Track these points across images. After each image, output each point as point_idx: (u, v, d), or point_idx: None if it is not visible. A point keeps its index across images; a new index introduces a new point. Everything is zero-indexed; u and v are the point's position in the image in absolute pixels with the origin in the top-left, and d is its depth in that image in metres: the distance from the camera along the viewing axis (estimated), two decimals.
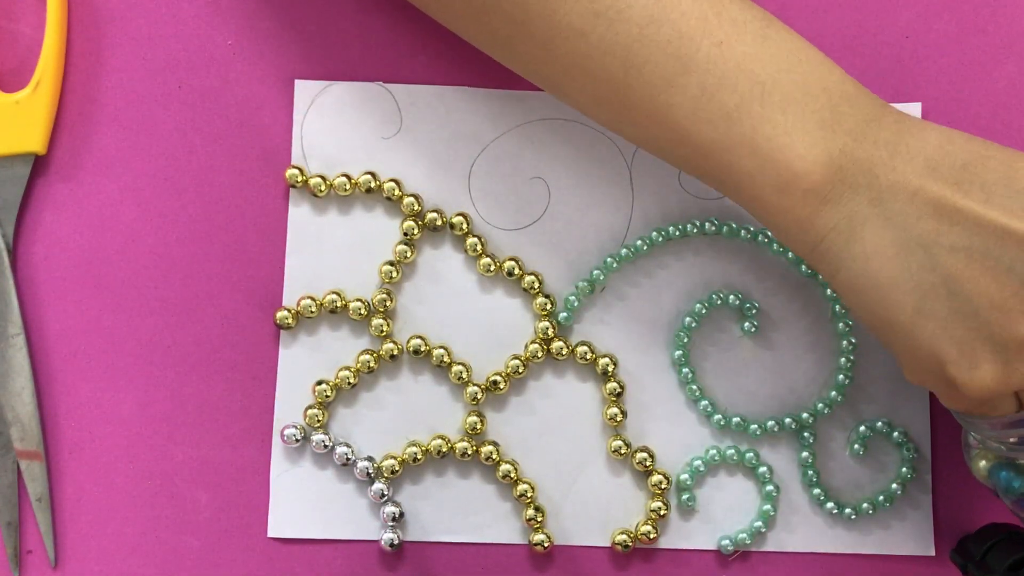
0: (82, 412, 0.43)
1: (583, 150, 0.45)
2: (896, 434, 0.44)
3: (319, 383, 0.43)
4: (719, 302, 0.44)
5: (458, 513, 0.43)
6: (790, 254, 0.44)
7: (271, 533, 0.43)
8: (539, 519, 0.43)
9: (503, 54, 0.39)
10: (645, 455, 0.43)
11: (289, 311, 0.43)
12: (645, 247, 0.44)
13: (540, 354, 0.43)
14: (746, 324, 0.44)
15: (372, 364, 0.43)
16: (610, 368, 0.43)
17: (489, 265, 0.44)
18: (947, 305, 0.34)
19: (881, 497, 0.43)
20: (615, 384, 0.43)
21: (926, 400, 0.44)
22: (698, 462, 0.43)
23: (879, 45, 0.45)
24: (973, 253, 0.34)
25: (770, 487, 0.43)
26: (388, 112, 0.45)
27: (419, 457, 0.43)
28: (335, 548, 0.43)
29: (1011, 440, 0.37)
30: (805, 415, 0.44)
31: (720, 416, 0.44)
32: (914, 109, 0.45)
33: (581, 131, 0.45)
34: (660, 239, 0.44)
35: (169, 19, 0.45)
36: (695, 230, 0.44)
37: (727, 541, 0.43)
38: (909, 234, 0.35)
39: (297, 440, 0.43)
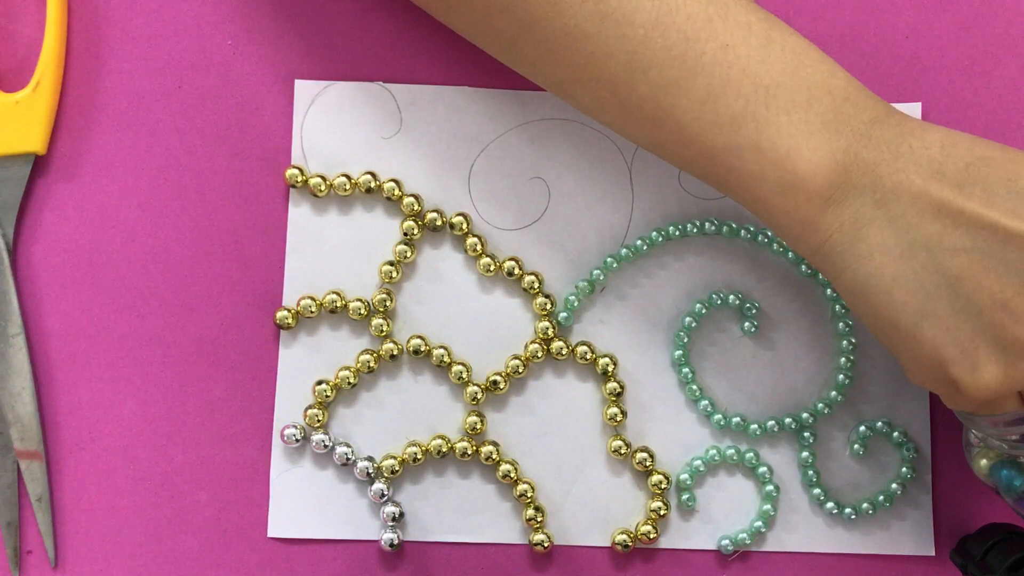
0: (82, 412, 0.43)
1: (583, 150, 0.45)
2: (896, 434, 0.44)
3: (319, 383, 0.43)
4: (719, 302, 0.44)
5: (458, 513, 0.43)
6: (790, 254, 0.44)
7: (271, 533, 0.43)
8: (539, 519, 0.43)
9: (508, 56, 0.39)
10: (645, 455, 0.43)
11: (289, 311, 0.43)
12: (645, 247, 0.44)
13: (540, 354, 0.43)
14: (746, 324, 0.44)
15: (372, 364, 0.43)
16: (610, 368, 0.43)
17: (489, 265, 0.44)
18: (950, 306, 0.34)
19: (881, 497, 0.43)
20: (615, 384, 0.43)
21: (926, 400, 0.44)
22: (698, 462, 0.43)
23: (879, 45, 0.45)
24: (976, 254, 0.34)
25: (770, 487, 0.43)
26: (388, 112, 0.45)
27: (419, 457, 0.43)
28: (335, 548, 0.43)
29: (1012, 438, 0.37)
30: (805, 415, 0.44)
31: (720, 416, 0.44)
32: (914, 109, 0.45)
33: (581, 131, 0.45)
34: (660, 239, 0.44)
35: (169, 19, 0.45)
36: (695, 230, 0.44)
37: (727, 541, 0.43)
38: (912, 235, 0.35)
39: (297, 440, 0.43)
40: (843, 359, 0.44)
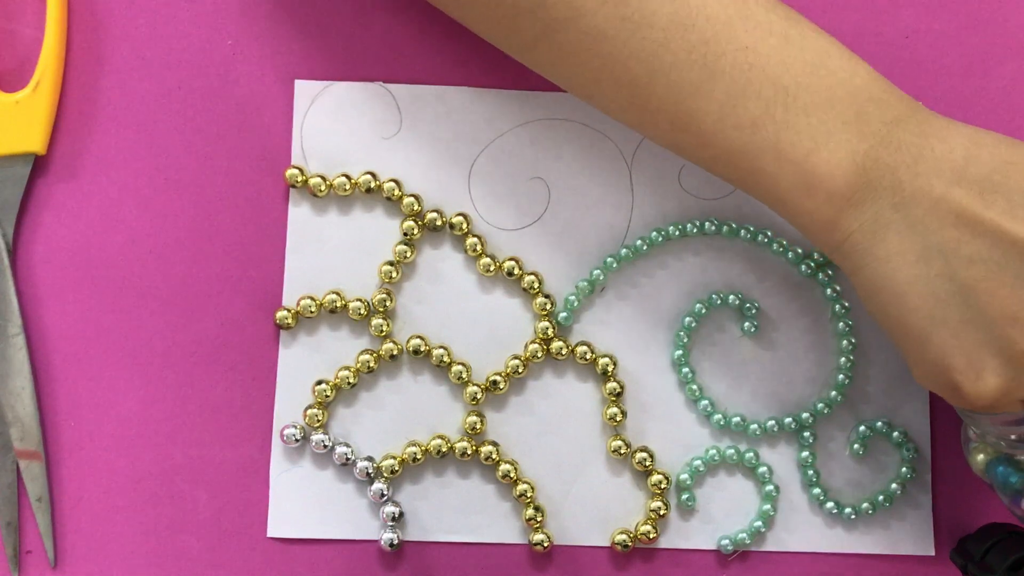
0: (82, 412, 0.43)
1: (583, 150, 0.45)
2: (896, 434, 0.44)
3: (319, 383, 0.43)
4: (719, 302, 0.44)
5: (458, 513, 0.43)
6: (790, 254, 0.44)
7: (271, 533, 0.43)
8: (539, 519, 0.43)
9: (528, 58, 0.39)
10: (645, 455, 0.43)
11: (289, 311, 0.43)
12: (645, 247, 0.44)
13: (540, 354, 0.43)
14: (746, 324, 0.44)
15: (372, 364, 0.43)
16: (610, 368, 0.43)
17: (489, 265, 0.44)
18: (960, 314, 0.34)
19: (881, 497, 0.43)
20: (615, 384, 0.43)
21: (926, 400, 0.44)
22: (698, 462, 0.43)
23: (879, 45, 0.45)
24: (992, 265, 0.34)
25: (770, 487, 0.43)
26: (388, 112, 0.45)
27: (419, 457, 0.43)
28: (335, 548, 0.43)
29: (1011, 437, 0.37)
30: (805, 415, 0.44)
31: (720, 416, 0.44)
32: None
33: (581, 131, 0.45)
34: (660, 239, 0.44)
35: (169, 19, 0.45)
36: (695, 230, 0.44)
37: (727, 541, 0.43)
38: (930, 241, 0.35)
39: (297, 440, 0.43)
40: (843, 359, 0.44)
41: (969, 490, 0.44)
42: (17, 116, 0.43)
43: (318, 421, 0.43)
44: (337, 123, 0.44)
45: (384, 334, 0.43)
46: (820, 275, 0.44)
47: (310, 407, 0.43)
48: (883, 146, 0.35)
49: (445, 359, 0.43)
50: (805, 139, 0.35)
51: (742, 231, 0.44)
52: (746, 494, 0.44)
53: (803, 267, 0.44)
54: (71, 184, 0.44)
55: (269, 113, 0.44)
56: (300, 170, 0.44)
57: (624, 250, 0.44)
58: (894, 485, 0.44)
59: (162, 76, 0.44)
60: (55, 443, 0.43)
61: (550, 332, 0.44)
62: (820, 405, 0.44)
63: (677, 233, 0.44)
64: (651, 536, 0.43)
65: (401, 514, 0.43)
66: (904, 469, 0.44)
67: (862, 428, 0.44)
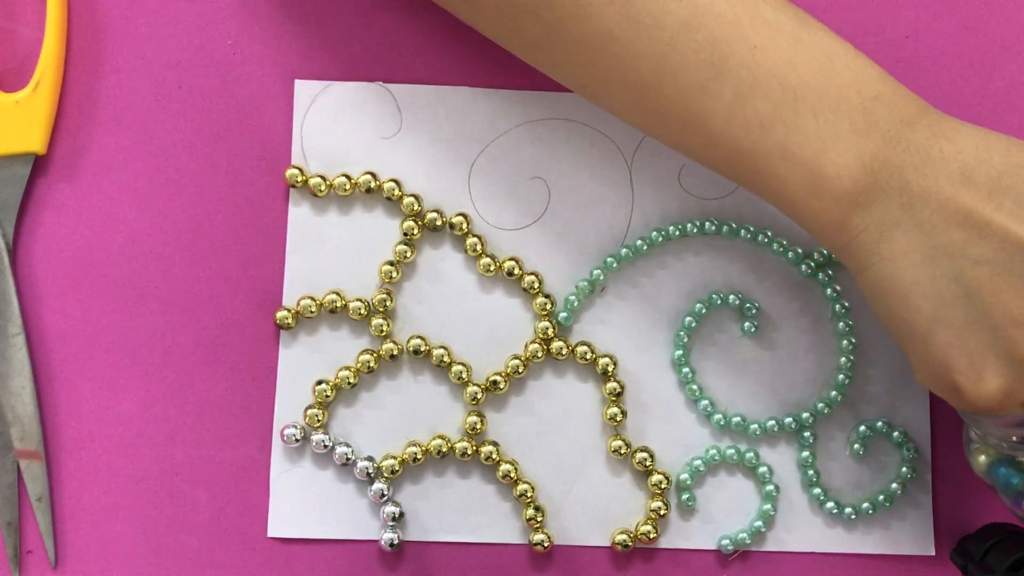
0: (82, 412, 0.43)
1: (583, 150, 0.45)
2: (896, 434, 0.44)
3: (319, 383, 0.43)
4: (719, 302, 0.44)
5: (458, 513, 0.43)
6: (790, 254, 0.44)
7: (271, 533, 0.43)
8: (539, 519, 0.43)
9: (534, 58, 0.39)
10: (645, 455, 0.43)
11: (289, 311, 0.43)
12: (645, 247, 0.44)
13: (540, 354, 0.43)
14: (746, 324, 0.44)
15: (372, 364, 0.43)
16: (610, 368, 0.43)
17: (489, 265, 0.44)
18: (964, 315, 0.34)
19: (881, 497, 0.43)
20: (615, 384, 0.43)
21: (926, 400, 0.44)
22: (698, 462, 0.43)
23: (879, 45, 0.45)
24: (997, 267, 0.34)
25: (770, 487, 0.43)
26: (388, 112, 0.45)
27: (419, 457, 0.43)
28: (335, 548, 0.43)
29: (1012, 438, 0.37)
30: (805, 415, 0.44)
31: (720, 416, 0.44)
32: None
33: (581, 131, 0.45)
34: (660, 239, 0.44)
35: (169, 19, 0.45)
36: (695, 230, 0.44)
37: (727, 541, 0.43)
38: (936, 241, 0.35)
39: (297, 440, 0.43)
40: (843, 359, 0.44)
41: (969, 490, 0.44)
42: (17, 116, 0.43)
43: (318, 421, 0.43)
44: (337, 123, 0.44)
45: (384, 334, 0.43)
46: (820, 275, 0.44)
47: (310, 407, 0.43)
48: (891, 147, 0.35)
49: (445, 359, 0.43)
50: (813, 140, 0.35)
51: (742, 231, 0.44)
52: (746, 494, 0.44)
53: (803, 267, 0.44)
54: (71, 184, 0.44)
55: (269, 113, 0.44)
56: (300, 170, 0.44)
57: (624, 250, 0.44)
58: (894, 485, 0.44)
59: (162, 76, 0.44)
60: (55, 443, 0.43)
61: (550, 332, 0.44)
62: (820, 405, 0.44)
63: (677, 233, 0.44)
64: (651, 536, 0.43)
65: (401, 514, 0.43)
66: (904, 469, 0.44)
67: (862, 428, 0.44)
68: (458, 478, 0.43)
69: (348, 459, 0.43)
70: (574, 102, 0.45)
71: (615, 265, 0.44)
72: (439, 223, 0.44)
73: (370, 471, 0.43)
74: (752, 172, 0.37)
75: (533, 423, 0.44)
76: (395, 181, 0.44)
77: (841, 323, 0.44)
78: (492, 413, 0.44)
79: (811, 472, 0.44)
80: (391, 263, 0.44)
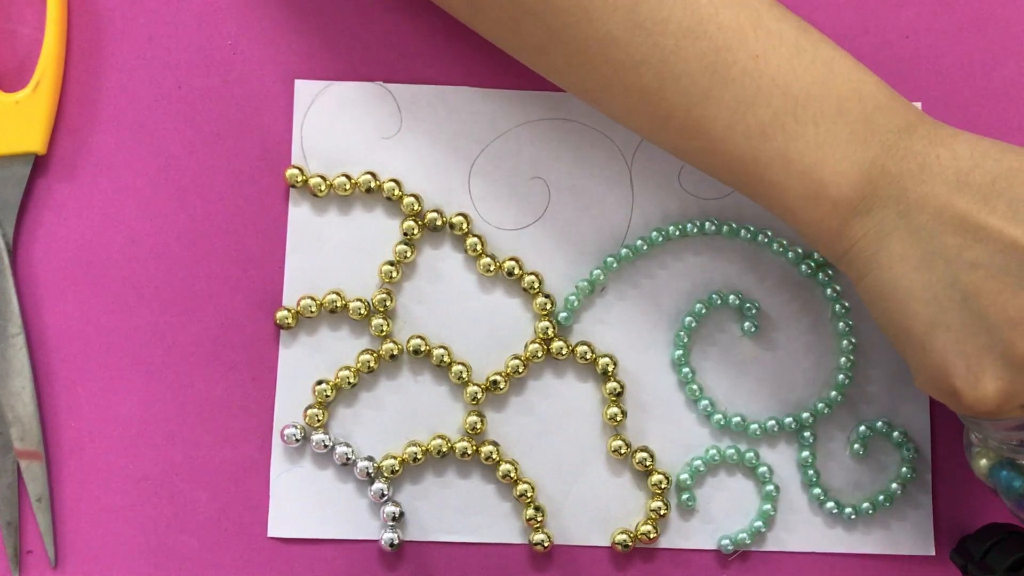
0: (82, 412, 0.43)
1: (583, 150, 0.45)
2: (896, 434, 0.44)
3: (319, 383, 0.43)
4: (719, 302, 0.44)
5: (458, 513, 0.43)
6: (790, 254, 0.44)
7: (271, 533, 0.43)
8: (539, 519, 0.43)
9: (537, 62, 0.39)
10: (645, 455, 0.43)
11: (289, 311, 0.43)
12: (645, 247, 0.44)
13: (540, 354, 0.43)
14: (746, 324, 0.44)
15: (372, 364, 0.43)
16: (610, 368, 0.43)
17: (489, 265, 0.44)
18: (962, 319, 0.34)
19: (881, 497, 0.43)
20: (615, 384, 0.43)
21: (926, 400, 0.44)
22: (698, 462, 0.43)
23: (879, 45, 0.45)
24: (993, 270, 0.34)
25: (770, 487, 0.43)
26: (388, 112, 0.45)
27: (419, 457, 0.43)
28: (335, 548, 0.43)
29: (1013, 442, 0.37)
30: (805, 415, 0.44)
31: (720, 416, 0.44)
32: None
33: (581, 131, 0.45)
34: (660, 239, 0.44)
35: (169, 19, 0.45)
36: (695, 230, 0.44)
37: (727, 541, 0.43)
38: (932, 246, 0.35)
39: (297, 440, 0.43)
40: (843, 359, 0.44)
41: (969, 490, 0.44)
42: (17, 116, 0.43)
43: (318, 421, 0.43)
44: (337, 123, 0.44)
45: (384, 334, 0.43)
46: (820, 275, 0.44)
47: (310, 407, 0.43)
48: (889, 155, 0.36)
49: (445, 359, 0.43)
50: (814, 148, 0.36)
51: (742, 231, 0.44)
52: (746, 494, 0.44)
53: (803, 267, 0.44)
54: (71, 184, 0.44)
55: (269, 113, 0.44)
56: (300, 170, 0.44)
57: (624, 250, 0.44)
58: (894, 485, 0.44)
59: (162, 76, 0.44)
60: (55, 443, 0.43)
61: (550, 332, 0.44)
62: (820, 405, 0.44)
63: (677, 233, 0.44)
64: (651, 536, 0.43)
65: (401, 514, 0.43)
66: (904, 469, 0.44)
67: (862, 428, 0.44)
68: (458, 478, 0.43)
69: (348, 459, 0.43)
70: (574, 102, 0.45)
71: (615, 265, 0.44)
72: (439, 223, 0.44)
73: (370, 471, 0.43)
74: (752, 179, 0.37)
75: (533, 423, 0.44)
76: (395, 181, 0.44)
77: (841, 323, 0.44)
78: (492, 413, 0.44)
79: (811, 472, 0.44)
80: (391, 263, 0.44)
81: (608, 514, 0.43)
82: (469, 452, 0.43)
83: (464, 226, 0.44)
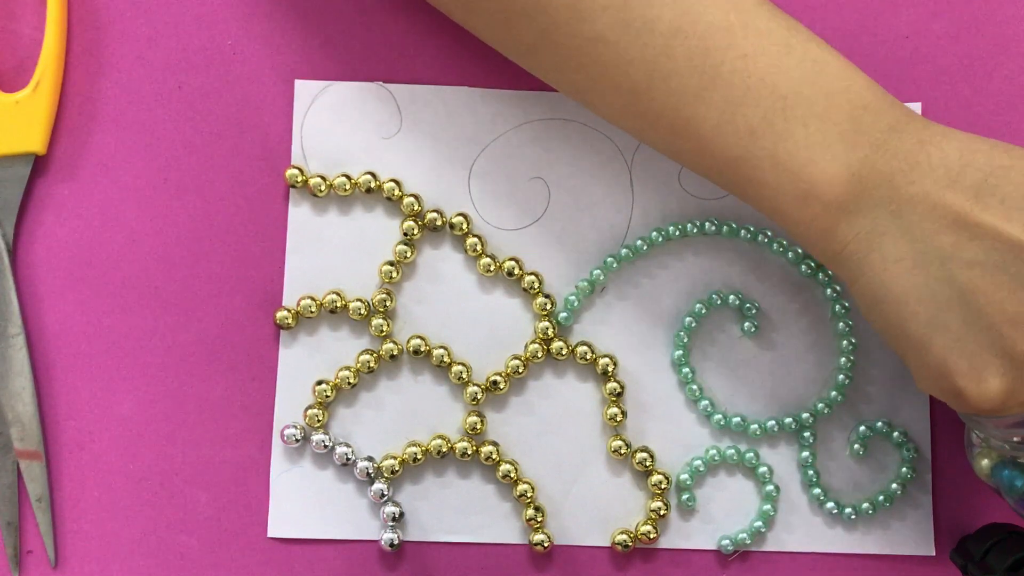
0: (82, 412, 0.43)
1: (583, 150, 0.45)
2: (896, 434, 0.44)
3: (319, 383, 0.43)
4: (719, 302, 0.44)
5: (458, 513, 0.43)
6: (790, 254, 0.44)
7: (271, 533, 0.43)
8: (539, 519, 0.43)
9: (528, 62, 0.39)
10: (645, 455, 0.43)
11: (289, 311, 0.43)
12: (645, 247, 0.44)
13: (540, 354, 0.43)
14: (746, 324, 0.44)
15: (372, 364, 0.43)
16: (610, 368, 0.43)
17: (489, 265, 0.44)
18: (960, 318, 0.34)
19: (881, 497, 0.43)
20: (615, 384, 0.43)
21: (926, 400, 0.44)
22: (698, 462, 0.43)
23: (879, 45, 0.45)
24: (989, 267, 0.34)
25: (770, 487, 0.43)
26: (388, 112, 0.45)
27: (419, 457, 0.43)
28: (335, 548, 0.43)
29: (1015, 439, 0.37)
30: (805, 415, 0.44)
31: (720, 416, 0.44)
32: (914, 109, 0.45)
33: (581, 131, 0.45)
34: (660, 239, 0.44)
35: (169, 19, 0.45)
36: (695, 230, 0.44)
37: (727, 541, 0.43)
38: (927, 246, 0.35)
39: (297, 440, 0.43)
40: (843, 359, 0.44)
41: (969, 490, 0.44)
42: (17, 116, 0.43)
43: (318, 421, 0.43)
44: (337, 123, 0.44)
45: (384, 334, 0.43)
46: (820, 275, 0.44)
47: (310, 407, 0.43)
48: (879, 154, 0.35)
49: (445, 359, 0.43)
50: (803, 148, 0.35)
51: (742, 231, 0.44)
52: (746, 494, 0.44)
53: (803, 267, 0.44)
54: (71, 184, 0.44)
55: (269, 113, 0.44)
56: (300, 170, 0.44)
57: (624, 250, 0.44)
58: (894, 485, 0.44)
59: (162, 76, 0.44)
60: (55, 443, 0.43)
61: (550, 332, 0.44)
62: (820, 405, 0.44)
63: (677, 233, 0.44)
64: (651, 536, 0.43)
65: (401, 514, 0.43)
66: (904, 469, 0.44)
67: (862, 428, 0.44)
68: (458, 478, 0.43)
69: (348, 459, 0.43)
70: (574, 102, 0.45)
71: (615, 265, 0.44)
72: (439, 223, 0.44)
73: (370, 471, 0.43)
74: (742, 180, 0.37)
75: (533, 423, 0.44)
76: (395, 181, 0.44)
77: (841, 323, 0.44)
78: (492, 413, 0.44)
79: (811, 472, 0.44)
80: (391, 263, 0.44)
81: (608, 514, 0.43)
82: (469, 452, 0.43)
83: (464, 226, 0.44)
